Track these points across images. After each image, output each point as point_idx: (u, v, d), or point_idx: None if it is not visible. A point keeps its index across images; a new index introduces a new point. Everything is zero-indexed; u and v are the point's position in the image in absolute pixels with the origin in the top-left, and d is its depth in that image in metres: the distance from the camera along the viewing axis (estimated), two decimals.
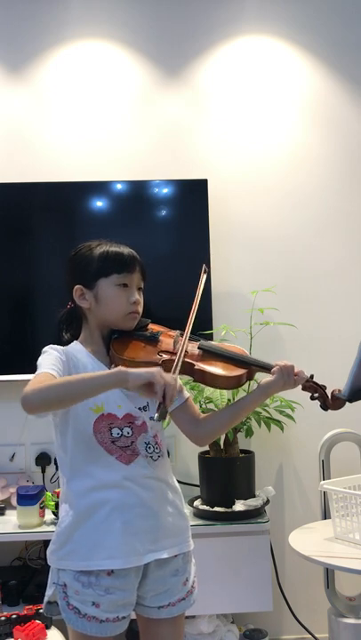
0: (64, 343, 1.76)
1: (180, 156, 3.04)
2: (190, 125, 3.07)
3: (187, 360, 1.70)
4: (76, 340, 1.76)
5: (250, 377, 1.75)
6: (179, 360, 1.65)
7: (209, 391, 2.49)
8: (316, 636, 2.79)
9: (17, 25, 3.05)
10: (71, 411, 1.64)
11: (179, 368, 1.64)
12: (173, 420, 1.80)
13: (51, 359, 1.63)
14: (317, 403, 1.78)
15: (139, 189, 2.96)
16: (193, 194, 2.95)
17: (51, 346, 1.69)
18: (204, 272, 1.81)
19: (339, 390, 1.77)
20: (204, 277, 1.81)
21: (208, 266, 2.83)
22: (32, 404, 1.49)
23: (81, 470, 1.64)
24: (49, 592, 1.66)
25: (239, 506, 2.57)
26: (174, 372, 1.58)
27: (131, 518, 1.62)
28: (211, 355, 1.75)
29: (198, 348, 1.76)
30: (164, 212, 2.98)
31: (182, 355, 1.66)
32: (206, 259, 2.89)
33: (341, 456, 2.75)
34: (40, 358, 1.65)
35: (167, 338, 1.75)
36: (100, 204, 2.98)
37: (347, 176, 3.09)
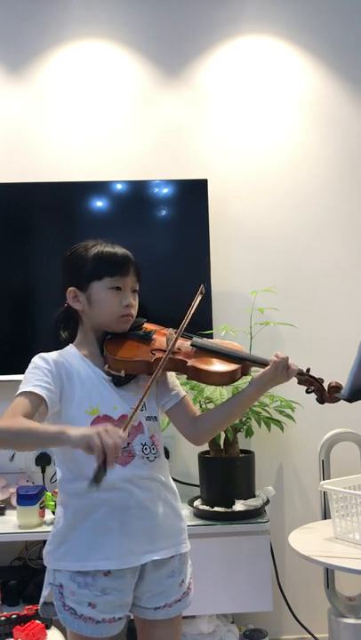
0: (62, 342, 1.76)
1: (180, 156, 3.04)
2: (190, 125, 3.07)
3: (179, 357, 1.69)
4: (72, 341, 1.75)
5: (244, 372, 1.73)
6: (165, 359, 1.64)
7: (209, 391, 2.49)
8: (316, 636, 2.79)
9: (17, 25, 3.05)
10: (65, 414, 1.64)
11: (161, 370, 1.64)
12: (170, 420, 1.80)
13: (36, 374, 1.62)
14: (313, 397, 1.76)
15: (139, 189, 2.96)
16: (193, 194, 2.95)
17: (39, 355, 1.68)
18: (200, 293, 1.78)
19: (337, 383, 1.75)
20: (199, 298, 1.78)
21: (209, 273, 2.86)
22: None
23: (78, 472, 1.64)
24: (45, 593, 1.66)
25: (239, 506, 2.57)
26: (129, 423, 1.52)
27: (127, 519, 1.62)
28: (203, 351, 1.73)
29: (191, 345, 1.75)
30: (164, 212, 2.98)
31: (169, 353, 1.66)
32: (206, 259, 2.89)
33: (341, 456, 2.75)
34: (27, 371, 1.64)
35: (160, 336, 1.75)
36: (100, 204, 2.98)
37: (347, 176, 3.09)
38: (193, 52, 3.08)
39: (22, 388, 1.59)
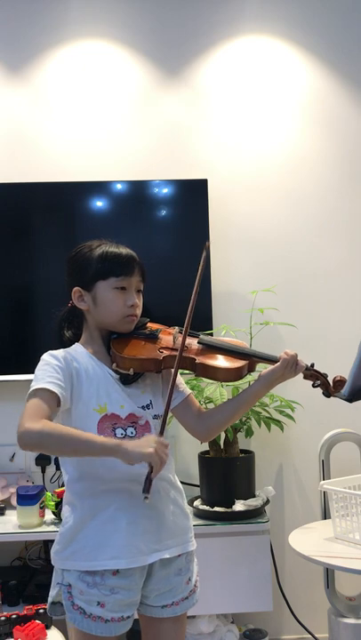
0: (65, 342, 1.76)
1: (180, 156, 3.04)
2: (190, 125, 3.07)
3: (187, 355, 1.71)
4: (78, 340, 1.76)
5: (251, 369, 1.76)
6: (180, 357, 1.65)
7: (209, 390, 2.49)
8: (317, 636, 2.79)
9: (17, 25, 3.05)
10: (74, 412, 1.64)
11: (178, 369, 1.65)
12: (176, 417, 1.80)
13: (47, 370, 1.61)
14: (320, 398, 1.78)
15: (139, 189, 2.96)
16: (193, 194, 2.95)
17: (49, 353, 1.67)
18: (206, 249, 1.78)
19: (341, 376, 1.77)
20: (204, 254, 1.77)
21: (209, 273, 2.86)
22: (25, 446, 1.52)
23: (85, 471, 1.64)
24: (53, 592, 1.66)
25: (239, 506, 2.57)
26: (162, 433, 1.59)
27: (135, 518, 1.62)
28: (211, 348, 1.76)
29: (198, 342, 1.76)
30: (164, 212, 2.98)
31: (182, 351, 1.67)
32: (206, 259, 2.88)
33: (341, 456, 2.75)
34: (37, 368, 1.63)
35: (166, 335, 1.76)
36: (100, 204, 2.98)
37: (347, 176, 3.09)
38: (193, 53, 3.08)
39: (35, 385, 1.58)
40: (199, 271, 1.73)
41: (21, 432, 1.50)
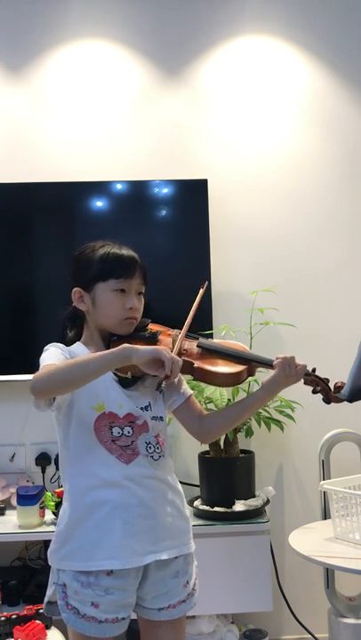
0: (68, 341, 1.76)
1: (180, 156, 3.04)
2: (190, 125, 3.07)
3: (186, 358, 1.70)
4: (79, 340, 1.76)
5: (250, 373, 1.75)
6: (175, 348, 1.66)
7: (209, 391, 2.49)
8: (317, 636, 2.79)
9: (17, 25, 3.05)
10: (74, 408, 1.64)
11: (176, 350, 1.66)
12: (177, 418, 1.80)
13: (54, 355, 1.63)
14: (319, 397, 1.77)
15: (139, 189, 2.96)
16: (193, 194, 2.95)
17: (53, 344, 1.69)
18: (203, 288, 1.81)
19: (342, 382, 1.76)
20: (201, 292, 1.80)
21: (209, 273, 2.86)
22: (40, 388, 1.51)
23: (81, 468, 1.64)
24: (49, 592, 1.67)
25: (239, 506, 2.57)
26: (176, 345, 1.64)
27: (131, 518, 1.61)
28: (210, 352, 1.74)
29: (197, 346, 1.75)
30: (164, 212, 2.98)
31: (180, 344, 1.68)
32: (206, 259, 2.89)
33: (341, 456, 2.75)
34: (43, 355, 1.65)
35: (166, 337, 1.75)
36: (100, 204, 2.98)
37: (347, 176, 3.09)
38: (193, 52, 3.08)
39: (46, 362, 1.60)
40: (195, 306, 1.76)
41: (31, 383, 1.51)
